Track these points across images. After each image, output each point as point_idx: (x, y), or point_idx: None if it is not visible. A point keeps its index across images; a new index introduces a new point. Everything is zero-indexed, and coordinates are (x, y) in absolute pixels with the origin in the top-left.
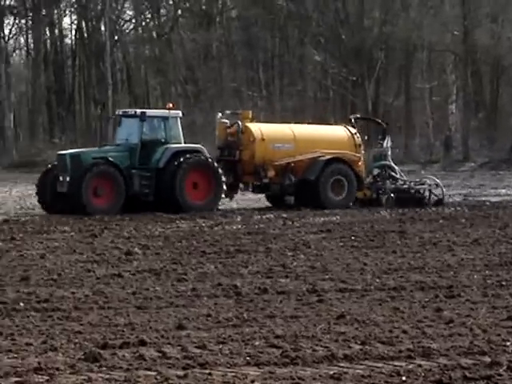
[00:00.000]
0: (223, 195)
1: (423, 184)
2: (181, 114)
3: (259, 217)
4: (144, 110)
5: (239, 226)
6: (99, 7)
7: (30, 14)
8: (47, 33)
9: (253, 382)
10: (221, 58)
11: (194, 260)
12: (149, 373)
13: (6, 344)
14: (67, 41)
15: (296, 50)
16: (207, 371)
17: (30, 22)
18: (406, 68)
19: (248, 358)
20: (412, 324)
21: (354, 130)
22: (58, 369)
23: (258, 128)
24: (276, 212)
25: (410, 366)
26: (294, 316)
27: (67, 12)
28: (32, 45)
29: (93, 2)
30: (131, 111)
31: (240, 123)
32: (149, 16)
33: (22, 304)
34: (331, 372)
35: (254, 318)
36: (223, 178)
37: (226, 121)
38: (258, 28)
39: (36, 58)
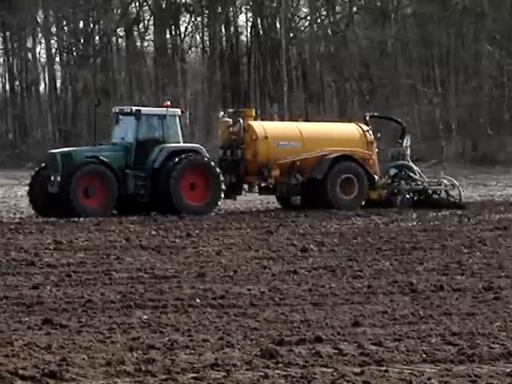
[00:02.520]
0: (223, 196)
1: (440, 185)
2: (179, 112)
3: (434, 214)
4: (139, 108)
5: (414, 223)
6: (275, 4)
7: (206, 12)
8: (223, 30)
9: (429, 379)
10: (396, 54)
11: (369, 257)
12: (325, 369)
13: (182, 340)
14: (243, 38)
15: (471, 46)
16: (383, 368)
17: (206, 20)
18: None
19: (424, 356)
20: None
21: (366, 128)
22: (234, 365)
23: (260, 126)
24: (451, 209)
25: None
26: (470, 313)
27: (243, 9)
28: (208, 42)
29: (268, 0)
30: (127, 109)
31: (242, 121)
32: (324, 13)
33: (198, 300)
34: (508, 370)
35: (429, 315)
36: (222, 179)
37: (229, 119)
38: (433, 25)
39: (211, 55)
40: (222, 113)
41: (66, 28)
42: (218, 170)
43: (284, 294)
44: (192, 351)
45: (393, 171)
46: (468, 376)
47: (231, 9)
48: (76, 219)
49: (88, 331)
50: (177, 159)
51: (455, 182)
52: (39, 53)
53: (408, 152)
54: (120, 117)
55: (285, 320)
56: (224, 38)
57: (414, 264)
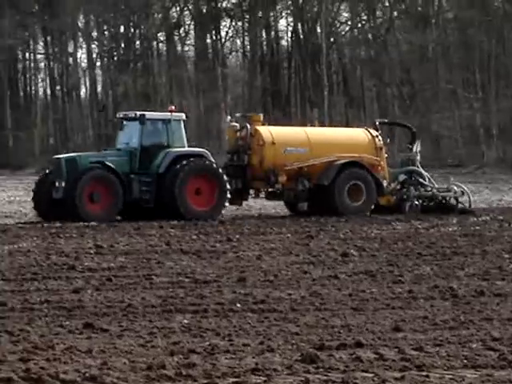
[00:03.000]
0: (227, 202)
1: (449, 191)
2: (184, 117)
3: (475, 219)
4: (143, 113)
5: (455, 228)
6: (315, 9)
7: (247, 16)
8: (263, 35)
9: None
10: (437, 59)
11: (409, 262)
12: (366, 374)
13: (223, 344)
14: (283, 43)
15: None
16: (424, 373)
17: (247, 24)
18: None
19: (465, 361)
20: None
21: (375, 133)
22: (275, 370)
23: (267, 131)
24: (492, 214)
25: None
26: (511, 318)
27: (283, 14)
28: (248, 47)
29: (309, 5)
30: (131, 114)
31: (249, 126)
32: (365, 18)
33: (238, 305)
34: None
35: (470, 321)
36: (227, 184)
37: (236, 124)
38: (473, 29)
39: (252, 60)
40: (229, 117)
41: (106, 33)
42: (223, 174)
43: (324, 298)
44: (233, 356)
45: (402, 177)
46: (509, 382)
47: (272, 13)
48: (117, 223)
49: (129, 335)
50: (182, 164)
51: (465, 188)
52: (80, 57)
53: (418, 158)
54: (124, 122)
55: (325, 325)
56: (264, 43)
57: (454, 269)
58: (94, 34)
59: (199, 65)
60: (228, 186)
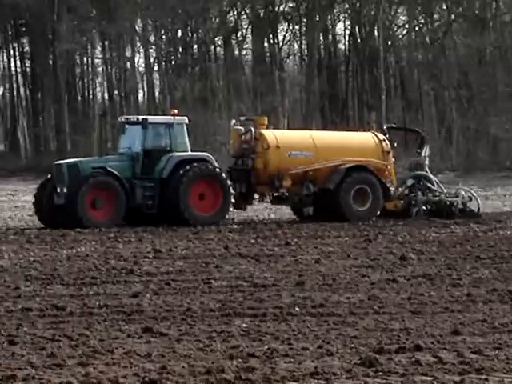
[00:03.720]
0: (232, 207)
1: (457, 196)
2: (187, 121)
3: None
4: (146, 117)
5: None
6: (373, 13)
7: (304, 20)
8: (321, 38)
9: None
10: (494, 62)
11: (468, 265)
12: (425, 378)
13: (282, 348)
14: (340, 46)
15: None
16: (483, 377)
17: (304, 28)
18: None
19: None
20: None
21: (382, 137)
22: (334, 373)
23: (272, 135)
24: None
25: None
26: None
27: (341, 17)
28: (306, 50)
29: (366, 8)
30: (133, 118)
31: (254, 130)
32: (422, 21)
33: (297, 309)
34: None
35: None
36: (231, 189)
37: (241, 127)
38: None
39: (309, 63)
40: (233, 120)
41: (164, 37)
42: (227, 179)
43: (383, 302)
44: (292, 359)
45: (410, 182)
46: None
47: (329, 17)
48: (175, 228)
49: (188, 339)
50: (185, 169)
51: (473, 193)
52: (138, 62)
53: (427, 162)
54: (126, 126)
55: (384, 328)
56: (322, 47)
57: None
58: (152, 38)
59: (257, 69)
60: (232, 191)
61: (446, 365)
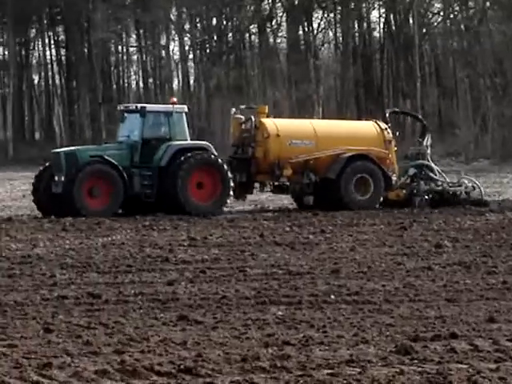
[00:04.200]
0: (231, 196)
1: (460, 185)
2: (186, 109)
3: None
4: (144, 105)
5: None
6: (407, 0)
7: (339, 8)
8: (355, 26)
9: None
10: None
11: (503, 253)
12: (460, 366)
13: (318, 336)
14: (375, 34)
15: None
16: None
17: (339, 16)
18: None
19: None
20: None
21: (384, 126)
22: (369, 361)
23: (272, 123)
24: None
25: None
26: None
27: (376, 5)
28: (340, 38)
29: None
30: (132, 106)
31: (254, 118)
32: (457, 9)
33: (332, 296)
34: None
35: None
36: (231, 178)
37: (241, 116)
38: None
39: (344, 51)
40: (233, 109)
41: (199, 25)
42: (226, 168)
43: (418, 290)
44: (327, 347)
45: (412, 171)
46: None
47: (364, 5)
48: (211, 216)
49: (223, 327)
50: (183, 157)
51: (476, 182)
52: (172, 50)
53: (428, 151)
54: (125, 114)
55: (419, 316)
56: (357, 34)
57: None
58: (187, 26)
59: (291, 57)
60: (231, 180)
61: (481, 352)
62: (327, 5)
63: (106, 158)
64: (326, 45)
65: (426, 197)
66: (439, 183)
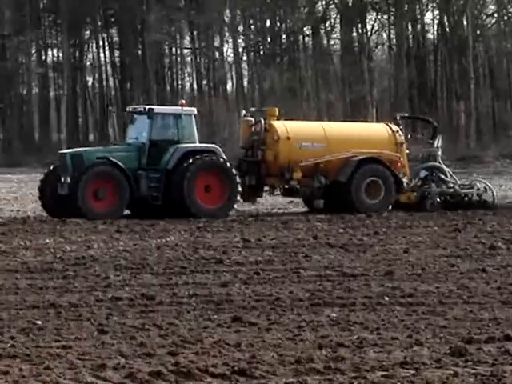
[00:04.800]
0: (241, 199)
1: (472, 187)
2: (195, 111)
3: None
4: (152, 107)
5: None
6: (461, 2)
7: (393, 10)
8: (409, 28)
9: None
10: None
11: None
12: None
13: (372, 338)
14: (429, 36)
15: None
16: None
17: (393, 18)
18: None
19: None
20: None
21: (395, 128)
22: (423, 363)
23: (283, 126)
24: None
25: None
26: None
27: (429, 7)
28: (394, 40)
29: None
30: (140, 108)
31: (263, 121)
32: (511, 10)
33: (386, 298)
34: None
35: None
36: (238, 181)
37: (251, 119)
38: None
39: (398, 53)
40: (243, 111)
41: (252, 27)
42: (234, 171)
43: (472, 292)
44: (381, 349)
45: (423, 173)
46: None
47: (418, 6)
48: (265, 218)
49: (277, 329)
50: (191, 160)
51: (488, 184)
52: (226, 51)
53: (439, 153)
54: (134, 116)
55: (473, 318)
56: (410, 36)
57: None
58: (241, 28)
59: (345, 58)
60: (239, 183)
61: None
62: (381, 6)
63: (112, 159)
64: (379, 46)
65: (438, 200)
66: (450, 185)
